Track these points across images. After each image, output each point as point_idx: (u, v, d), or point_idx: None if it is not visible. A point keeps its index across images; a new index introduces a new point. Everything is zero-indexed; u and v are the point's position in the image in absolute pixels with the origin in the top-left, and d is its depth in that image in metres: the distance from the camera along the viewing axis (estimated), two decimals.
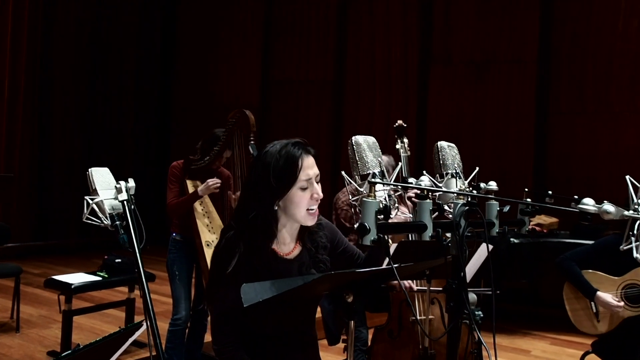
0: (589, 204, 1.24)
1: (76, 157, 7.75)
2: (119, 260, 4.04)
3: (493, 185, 1.43)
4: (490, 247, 2.45)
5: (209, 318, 3.40)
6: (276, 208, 1.58)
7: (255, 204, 1.56)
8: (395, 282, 2.84)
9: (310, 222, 1.62)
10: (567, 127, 5.86)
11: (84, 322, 4.35)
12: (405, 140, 3.24)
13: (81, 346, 1.45)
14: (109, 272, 3.96)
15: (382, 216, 1.15)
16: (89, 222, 1.41)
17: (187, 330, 3.33)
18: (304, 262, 1.70)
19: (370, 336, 3.20)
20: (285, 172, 1.52)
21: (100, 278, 3.88)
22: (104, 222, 1.40)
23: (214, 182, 3.18)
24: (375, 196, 1.17)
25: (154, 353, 1.38)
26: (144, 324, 1.54)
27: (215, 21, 8.35)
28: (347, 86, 7.21)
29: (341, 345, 3.12)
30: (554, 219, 5.05)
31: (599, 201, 1.34)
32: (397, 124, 3.23)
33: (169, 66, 8.87)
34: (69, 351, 1.43)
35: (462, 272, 1.28)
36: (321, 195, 1.59)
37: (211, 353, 3.63)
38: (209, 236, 3.28)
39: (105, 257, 4.08)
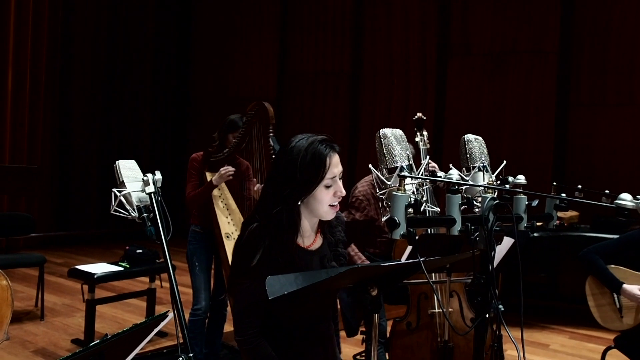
0: (626, 199, 1.21)
1: (95, 149, 7.85)
2: (140, 251, 4.09)
3: (522, 179, 1.42)
4: (512, 240, 2.44)
5: (228, 308, 3.44)
6: (299, 203, 1.59)
7: (280, 199, 1.56)
8: None
9: (331, 216, 1.63)
10: (588, 119, 5.77)
11: (106, 311, 4.42)
12: (425, 132, 3.22)
13: (109, 335, 1.48)
14: (130, 263, 4.01)
15: (411, 210, 1.15)
16: (117, 214, 1.43)
17: (207, 320, 3.37)
18: (325, 254, 1.71)
19: (389, 328, 3.21)
20: (313, 170, 1.52)
21: (122, 268, 3.93)
22: (132, 214, 1.42)
23: (226, 170, 3.19)
24: (405, 190, 1.16)
25: (181, 341, 1.40)
26: (169, 314, 1.56)
27: (231, 13, 8.35)
28: (364, 78, 7.17)
29: (359, 337, 3.14)
30: (574, 213, 4.98)
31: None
32: (416, 117, 3.21)
33: (186, 58, 8.90)
34: (98, 340, 1.45)
35: (491, 266, 1.27)
36: (344, 192, 1.60)
37: (230, 342, 3.67)
38: (229, 228, 3.30)
39: (127, 247, 4.14)
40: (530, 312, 5.08)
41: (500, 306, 2.07)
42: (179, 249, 6.26)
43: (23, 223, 4.50)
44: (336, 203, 1.60)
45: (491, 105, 6.29)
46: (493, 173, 1.51)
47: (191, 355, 1.35)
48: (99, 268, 3.84)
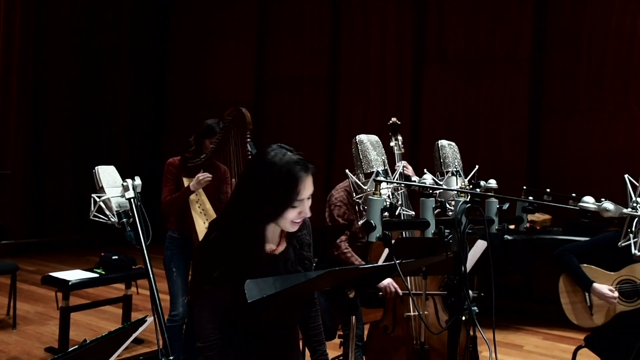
0: (589, 202, 1.27)
1: (69, 155, 7.72)
2: (116, 257, 4.05)
3: (493, 183, 1.46)
4: (485, 243, 2.49)
5: None
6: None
7: (250, 214, 1.57)
8: (384, 284, 2.92)
9: (292, 229, 1.64)
10: (560, 125, 5.92)
11: (80, 318, 4.36)
12: (400, 137, 3.27)
13: (88, 341, 1.47)
14: (106, 269, 3.97)
15: (387, 213, 1.18)
16: (96, 219, 1.43)
17: (184, 326, 3.35)
18: (289, 258, 1.72)
19: (365, 332, 3.24)
20: (285, 192, 1.53)
21: (97, 275, 3.89)
22: (111, 219, 1.42)
23: (203, 176, 3.18)
24: (380, 194, 1.19)
25: (161, 346, 1.40)
26: (148, 319, 1.56)
27: (208, 18, 8.33)
28: (342, 83, 7.23)
29: (337, 340, 3.16)
30: (547, 216, 5.10)
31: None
32: (391, 122, 3.26)
33: (163, 64, 8.84)
34: (77, 346, 1.45)
35: (464, 268, 1.31)
36: (309, 214, 1.61)
37: None
38: None
39: (102, 254, 4.09)
40: (505, 313, 5.17)
41: (475, 308, 2.12)
42: (155, 255, 6.14)
43: None
44: (299, 220, 1.62)
45: (466, 111, 6.40)
46: (466, 178, 1.56)
47: (172, 358, 1.36)
48: (73, 275, 3.79)
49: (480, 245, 2.29)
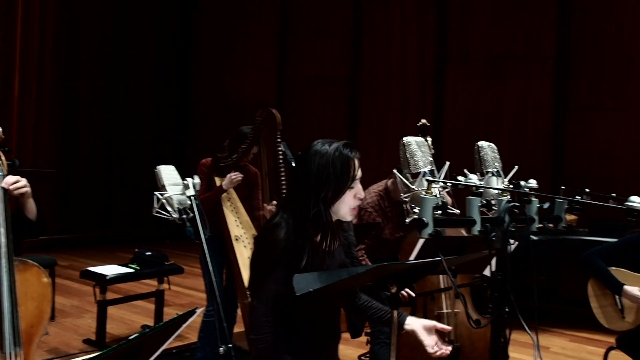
0: (635, 201, 1.32)
1: (99, 154, 7.93)
2: (149, 253, 4.17)
3: (533, 183, 1.52)
4: (516, 243, 2.54)
5: (238, 310, 3.52)
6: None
7: (314, 202, 1.64)
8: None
9: (350, 217, 1.72)
10: (585, 123, 5.90)
11: (114, 312, 4.48)
12: (429, 139, 3.32)
13: (147, 329, 1.57)
14: (140, 265, 4.09)
15: (439, 211, 1.25)
16: (159, 215, 1.52)
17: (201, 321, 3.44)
18: (341, 256, 1.81)
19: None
20: (344, 174, 1.61)
21: (132, 270, 4.01)
22: (173, 215, 1.51)
23: (235, 175, 3.27)
24: (432, 193, 1.27)
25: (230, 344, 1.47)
26: (197, 310, 1.65)
27: (232, 19, 8.45)
28: (363, 83, 7.28)
29: (363, 338, 3.22)
30: (573, 217, 5.10)
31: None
32: (420, 123, 3.31)
33: (187, 65, 8.99)
34: (138, 333, 1.54)
35: (507, 264, 1.37)
36: (363, 194, 1.70)
37: (239, 344, 3.75)
38: (237, 231, 3.39)
39: (136, 250, 4.21)
40: (530, 315, 5.17)
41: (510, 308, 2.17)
42: (182, 252, 6.31)
43: (32, 225, 4.56)
44: (356, 205, 1.70)
45: (489, 110, 6.41)
46: (507, 178, 1.62)
47: (230, 345, 1.44)
48: (110, 270, 3.92)
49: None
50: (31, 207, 2.06)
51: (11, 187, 1.90)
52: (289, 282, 1.53)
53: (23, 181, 1.93)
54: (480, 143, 1.64)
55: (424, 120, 3.33)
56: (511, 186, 1.48)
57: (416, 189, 1.31)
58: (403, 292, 2.93)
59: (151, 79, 8.53)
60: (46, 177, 4.52)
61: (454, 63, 6.68)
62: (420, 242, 2.61)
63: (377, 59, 7.17)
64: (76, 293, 5.17)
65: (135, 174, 7.92)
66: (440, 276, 3.07)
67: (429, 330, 1.77)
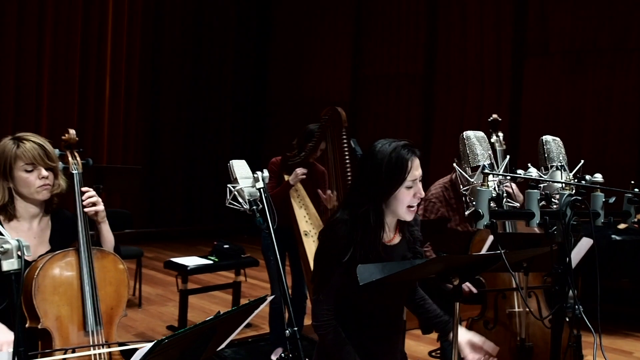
0: None
1: (181, 152, 8.39)
2: (227, 246, 4.40)
3: (599, 177, 1.50)
4: (590, 241, 2.47)
5: (307, 301, 3.65)
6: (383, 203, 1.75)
7: (367, 198, 1.73)
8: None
9: (409, 217, 1.78)
10: None
11: (194, 302, 4.76)
12: (500, 134, 3.28)
13: (221, 313, 1.70)
14: (218, 257, 4.32)
15: (494, 204, 1.28)
16: (231, 206, 1.65)
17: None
18: (404, 250, 1.86)
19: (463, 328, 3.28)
20: (396, 172, 1.69)
21: (211, 262, 4.25)
22: (244, 206, 1.63)
23: (301, 170, 3.40)
24: (488, 185, 1.30)
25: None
26: (268, 297, 1.77)
27: (307, 19, 8.62)
28: (438, 80, 7.20)
29: (434, 335, 3.23)
30: None
31: None
32: (492, 118, 3.28)
33: (264, 64, 9.28)
34: (213, 316, 1.68)
35: (568, 258, 1.37)
36: (423, 194, 1.75)
37: (310, 335, 3.87)
38: (306, 226, 3.51)
39: (215, 243, 4.45)
40: (612, 318, 4.94)
41: (580, 306, 2.14)
42: (255, 246, 6.53)
43: (123, 219, 4.96)
44: (414, 204, 1.75)
45: (570, 105, 6.15)
46: (571, 172, 1.61)
47: (296, 329, 1.54)
48: (191, 261, 4.18)
49: (584, 243, 2.28)
50: (108, 235, 2.14)
51: (85, 195, 2.05)
52: (349, 275, 1.61)
53: (97, 197, 2.07)
54: (544, 137, 1.64)
55: (495, 115, 3.30)
56: (575, 180, 1.47)
57: (474, 182, 1.35)
58: (464, 286, 2.93)
59: (230, 79, 8.91)
60: (132, 173, 4.87)
61: (533, 57, 6.45)
62: (490, 238, 2.60)
63: (452, 55, 7.07)
64: (161, 283, 5.54)
65: (216, 171, 8.30)
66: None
67: (474, 346, 1.79)
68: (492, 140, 3.25)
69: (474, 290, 2.97)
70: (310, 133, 3.49)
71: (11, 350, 1.73)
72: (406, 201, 1.73)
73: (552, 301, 3.13)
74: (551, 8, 6.27)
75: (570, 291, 2.07)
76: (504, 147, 3.25)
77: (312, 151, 3.47)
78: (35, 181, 1.99)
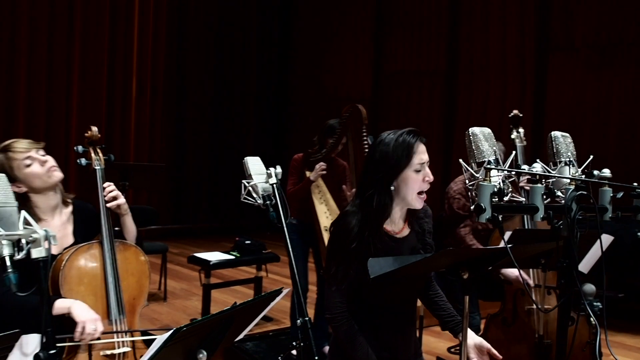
0: None
1: (205, 150, 8.55)
2: (249, 242, 4.49)
3: (607, 172, 1.51)
4: (611, 238, 2.46)
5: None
6: (392, 188, 1.78)
7: (373, 184, 1.76)
8: (513, 275, 2.94)
9: (419, 204, 1.81)
10: None
11: (217, 296, 4.87)
12: (521, 130, 3.28)
13: (237, 304, 1.77)
14: (240, 252, 4.42)
15: (496, 198, 1.31)
16: (246, 201, 1.72)
17: (314, 308, 3.65)
18: (413, 242, 1.89)
19: (482, 325, 3.29)
20: (402, 155, 1.72)
21: (233, 257, 4.34)
22: (257, 201, 1.70)
23: (320, 165, 3.45)
24: (490, 180, 1.33)
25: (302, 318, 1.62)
26: (284, 290, 1.83)
27: (329, 15, 8.67)
28: (460, 76, 7.16)
29: None
30: None
31: None
32: (512, 114, 3.28)
33: (286, 63, 9.36)
34: (229, 307, 1.75)
35: (574, 252, 1.39)
36: (432, 178, 1.78)
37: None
38: (327, 222, 3.56)
39: (237, 238, 4.55)
40: (639, 317, 4.86)
41: (598, 303, 2.14)
42: (278, 242, 6.59)
43: (149, 216, 5.11)
44: (424, 190, 1.78)
45: (596, 101, 6.05)
46: (581, 168, 1.62)
47: (307, 318, 1.60)
48: (214, 256, 4.29)
49: (605, 240, 2.28)
50: (131, 226, 2.24)
51: (106, 190, 2.14)
52: (360, 266, 1.65)
53: (117, 191, 2.15)
54: (553, 133, 1.66)
55: (515, 111, 3.30)
56: (583, 175, 1.49)
57: (480, 177, 1.38)
58: (523, 275, 2.92)
59: (252, 78, 9.03)
60: (157, 170, 5.00)
61: (557, 52, 6.37)
62: (507, 234, 2.62)
63: (475, 51, 7.02)
64: (185, 277, 5.67)
65: (239, 169, 8.40)
66: (531, 271, 3.03)
67: (481, 350, 1.81)
68: (513, 136, 3.25)
69: (530, 282, 2.97)
70: (331, 129, 3.54)
71: (96, 327, 1.84)
72: (416, 186, 1.75)
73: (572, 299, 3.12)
74: (576, 0, 6.17)
75: (586, 287, 2.08)
76: (525, 143, 3.24)
77: (333, 147, 3.53)
78: (40, 168, 2.06)
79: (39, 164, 2.06)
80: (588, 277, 2.41)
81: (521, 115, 3.28)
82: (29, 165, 2.04)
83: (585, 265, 2.44)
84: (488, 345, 1.82)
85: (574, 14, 6.20)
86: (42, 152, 2.10)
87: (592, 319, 1.93)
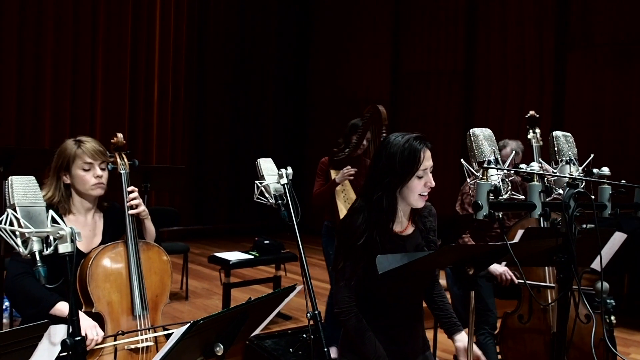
0: None
1: (226, 152, 8.69)
2: (267, 241, 4.58)
3: (606, 170, 1.56)
4: (624, 236, 2.48)
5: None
6: (397, 191, 1.86)
7: (381, 187, 1.84)
8: (497, 272, 3.01)
9: (420, 204, 1.89)
10: None
11: (237, 295, 4.95)
12: (538, 130, 3.31)
13: (252, 299, 1.85)
14: (259, 252, 4.52)
15: (492, 195, 1.37)
16: (259, 201, 1.81)
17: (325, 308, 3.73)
18: (417, 240, 1.96)
19: (498, 324, 3.32)
20: (408, 163, 1.80)
21: (252, 257, 4.44)
22: (270, 201, 1.79)
23: (348, 170, 3.52)
24: (487, 179, 1.39)
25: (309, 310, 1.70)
26: (298, 286, 1.90)
27: (346, 16, 8.73)
28: (478, 76, 7.16)
29: (466, 329, 3.28)
30: None
31: None
32: (529, 115, 3.31)
33: (304, 64, 9.45)
34: (245, 302, 1.83)
35: (572, 248, 1.44)
36: (433, 184, 1.86)
37: None
38: None
39: (256, 238, 4.65)
40: None
41: (611, 301, 2.18)
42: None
43: (170, 217, 5.25)
44: (426, 193, 1.86)
45: (615, 100, 6.00)
46: (588, 168, 1.67)
47: (317, 312, 1.68)
48: (233, 256, 4.39)
49: (618, 238, 2.31)
50: (150, 229, 2.36)
51: (129, 197, 2.26)
52: (367, 263, 1.72)
53: (139, 199, 2.27)
54: (555, 133, 1.71)
55: (532, 112, 3.33)
56: (582, 174, 1.54)
57: (479, 176, 1.44)
58: (506, 274, 2.98)
59: (271, 80, 9.15)
60: (177, 172, 5.13)
61: (576, 50, 6.33)
62: (520, 232, 2.66)
63: (493, 50, 7.01)
64: (206, 277, 5.80)
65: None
66: (547, 269, 3.06)
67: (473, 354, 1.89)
68: (529, 136, 3.28)
69: (515, 279, 3.03)
70: (353, 127, 3.62)
71: (97, 332, 1.95)
72: (417, 190, 1.85)
73: (589, 298, 3.15)
74: None
75: (598, 284, 2.11)
76: (541, 143, 3.26)
77: (357, 145, 3.59)
78: (91, 179, 2.20)
79: (92, 175, 2.21)
80: (609, 275, 2.43)
81: (537, 115, 3.31)
82: (85, 170, 2.19)
83: (600, 262, 2.46)
84: (479, 354, 1.90)
85: (592, 12, 6.15)
86: (103, 165, 2.25)
87: (606, 317, 1.97)
